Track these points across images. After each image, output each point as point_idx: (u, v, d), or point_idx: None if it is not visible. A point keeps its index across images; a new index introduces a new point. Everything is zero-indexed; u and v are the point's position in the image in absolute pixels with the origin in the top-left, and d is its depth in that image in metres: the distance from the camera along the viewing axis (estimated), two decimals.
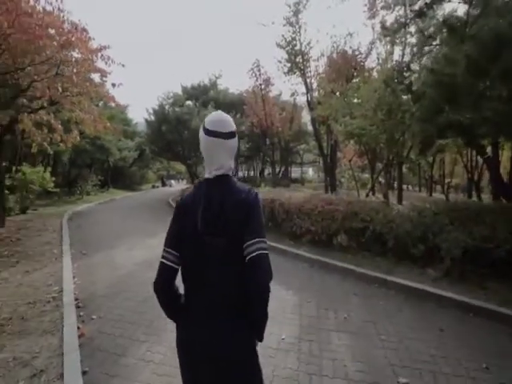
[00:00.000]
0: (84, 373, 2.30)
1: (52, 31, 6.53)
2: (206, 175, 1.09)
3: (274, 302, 3.41)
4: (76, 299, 3.56)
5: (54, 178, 11.09)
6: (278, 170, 21.26)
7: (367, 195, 8.44)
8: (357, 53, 9.91)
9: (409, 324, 2.86)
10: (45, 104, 7.43)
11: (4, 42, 6.56)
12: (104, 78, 8.17)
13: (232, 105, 19.12)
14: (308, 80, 11.48)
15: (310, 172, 37.64)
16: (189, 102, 17.26)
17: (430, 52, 5.24)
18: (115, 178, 22.46)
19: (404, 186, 12.24)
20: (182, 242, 1.06)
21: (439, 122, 3.52)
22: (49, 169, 11.23)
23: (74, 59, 7.16)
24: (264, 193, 7.32)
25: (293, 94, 16.34)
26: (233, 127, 1.11)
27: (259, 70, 14.89)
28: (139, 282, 4.07)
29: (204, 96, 18.08)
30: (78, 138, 8.93)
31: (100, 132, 9.99)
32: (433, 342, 2.58)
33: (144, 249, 5.84)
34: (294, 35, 10.63)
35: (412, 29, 6.62)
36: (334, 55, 11.01)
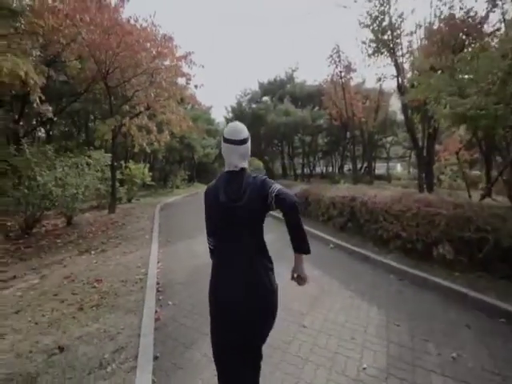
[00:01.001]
0: (155, 358, 2.39)
1: (147, 45, 7.45)
2: (226, 169, 1.42)
3: (352, 315, 2.91)
4: (157, 283, 3.88)
5: (151, 173, 12.95)
6: (359, 165, 19.39)
7: (483, 197, 6.62)
8: (471, 14, 7.81)
9: None
10: (142, 109, 8.61)
11: (115, 60, 7.87)
12: (188, 81, 8.91)
13: (309, 97, 18.38)
14: (399, 59, 9.82)
15: (398, 168, 33.08)
16: (265, 98, 17.43)
17: None
18: (200, 173, 24.85)
19: None
20: (212, 222, 1.48)
21: None
22: (147, 165, 13.17)
23: (163, 67, 8.03)
24: (343, 190, 6.60)
25: (379, 80, 14.44)
26: (245, 135, 1.40)
27: (339, 56, 13.68)
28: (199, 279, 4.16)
29: (280, 90, 17.94)
30: (169, 137, 10.09)
31: (185, 131, 11.07)
32: None
33: None
34: (382, 8, 9.21)
35: None
36: (435, 25, 9.04)
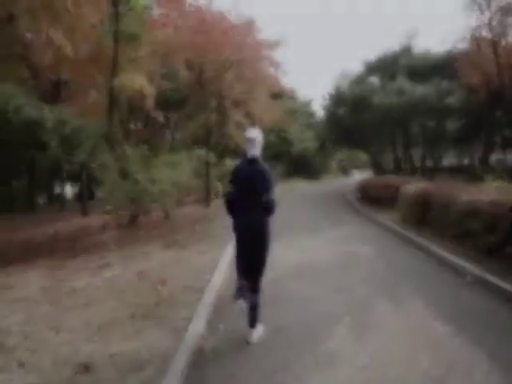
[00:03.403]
0: None
1: (231, 34, 7.20)
2: (248, 156, 2.50)
3: None
4: (218, 295, 3.35)
5: None
6: None
7: None
8: None
9: None
10: (229, 103, 8.57)
11: (205, 59, 8.05)
12: (277, 68, 8.22)
13: (434, 69, 14.28)
14: None
15: None
16: (373, 78, 14.71)
17: None
18: (298, 168, 24.09)
19: None
20: (236, 184, 2.53)
21: None
22: None
23: (249, 57, 7.63)
24: (491, 191, 4.30)
25: None
26: (253, 136, 2.51)
27: None
28: (277, 295, 3.29)
29: (393, 66, 14.71)
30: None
31: (279, 123, 10.50)
32: None
33: (300, 250, 5.12)
34: None
35: None
36: None
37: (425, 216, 5.40)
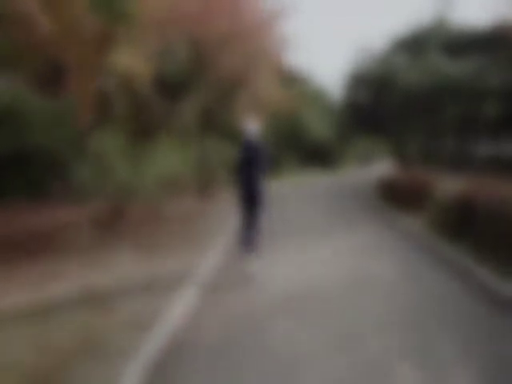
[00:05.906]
0: None
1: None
2: (247, 138, 3.89)
3: None
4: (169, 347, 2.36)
5: None
6: None
7: None
8: None
9: None
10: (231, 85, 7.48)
11: (201, 32, 6.92)
12: (282, 44, 6.96)
13: (474, 43, 12.20)
14: None
15: None
16: (399, 56, 12.86)
17: None
18: (313, 158, 22.47)
19: None
20: (242, 156, 3.86)
21: None
22: None
23: (247, 29, 6.44)
24: None
25: None
26: (250, 123, 3.94)
27: None
28: (260, 349, 2.26)
29: (426, 43, 12.75)
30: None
31: (290, 108, 9.24)
32: None
33: (300, 265, 4.06)
34: None
35: None
36: None
37: (467, 224, 4.10)
